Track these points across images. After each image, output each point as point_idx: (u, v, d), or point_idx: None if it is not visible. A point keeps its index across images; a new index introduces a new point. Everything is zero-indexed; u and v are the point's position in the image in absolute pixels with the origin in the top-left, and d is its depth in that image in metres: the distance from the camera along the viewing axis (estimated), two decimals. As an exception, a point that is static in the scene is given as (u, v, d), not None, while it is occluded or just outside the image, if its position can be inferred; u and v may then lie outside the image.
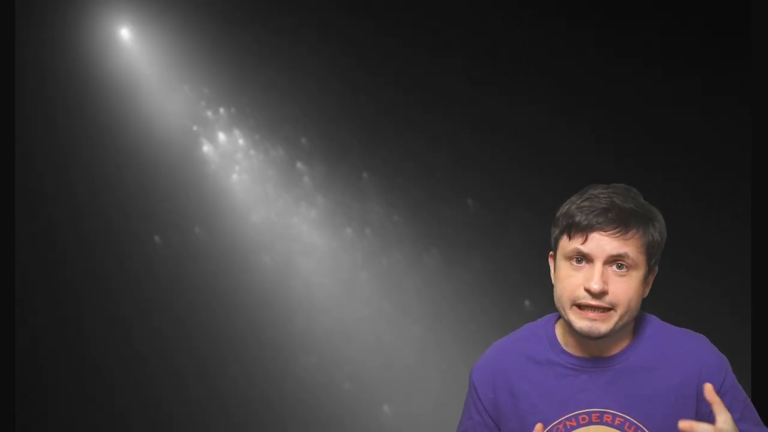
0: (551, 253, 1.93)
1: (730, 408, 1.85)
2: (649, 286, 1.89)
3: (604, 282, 1.79)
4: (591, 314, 1.80)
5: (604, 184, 1.89)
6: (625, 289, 1.81)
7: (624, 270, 1.82)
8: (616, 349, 1.89)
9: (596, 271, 1.80)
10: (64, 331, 4.84)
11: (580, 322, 1.81)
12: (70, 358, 4.84)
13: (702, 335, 1.95)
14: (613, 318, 1.81)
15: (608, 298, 1.80)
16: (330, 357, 4.88)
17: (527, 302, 4.66)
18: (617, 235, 1.81)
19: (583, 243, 1.81)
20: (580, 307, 1.81)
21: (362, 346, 4.89)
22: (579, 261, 1.83)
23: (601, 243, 1.81)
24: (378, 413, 4.85)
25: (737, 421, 1.85)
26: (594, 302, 1.80)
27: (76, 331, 4.84)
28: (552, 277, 1.93)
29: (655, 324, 1.95)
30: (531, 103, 4.71)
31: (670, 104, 4.60)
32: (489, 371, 1.98)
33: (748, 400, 1.92)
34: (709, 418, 1.85)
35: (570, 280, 1.83)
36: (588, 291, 1.80)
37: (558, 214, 1.89)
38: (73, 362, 4.84)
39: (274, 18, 4.80)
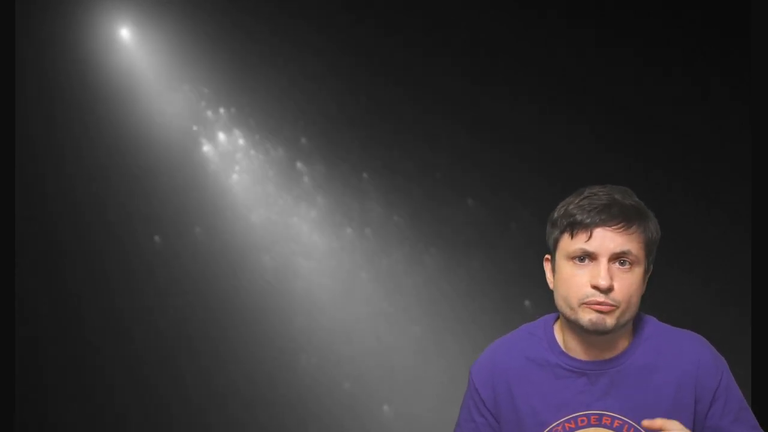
0: (547, 256, 1.93)
1: (723, 411, 1.86)
2: (645, 284, 1.89)
3: (611, 278, 1.80)
4: (597, 307, 1.81)
5: (598, 185, 1.89)
6: (628, 285, 1.82)
7: (627, 266, 1.83)
8: (615, 351, 1.89)
9: (603, 268, 1.80)
10: (64, 331, 4.84)
11: (589, 315, 1.81)
12: (70, 358, 4.84)
13: (700, 336, 1.95)
14: (616, 313, 1.82)
15: (613, 295, 1.81)
16: (330, 357, 4.88)
17: (527, 302, 4.66)
18: (621, 230, 1.82)
19: (587, 241, 1.82)
20: (588, 304, 1.82)
21: (362, 346, 4.88)
22: (582, 260, 1.83)
23: (605, 240, 1.81)
24: (378, 413, 4.85)
25: (731, 423, 1.86)
26: (601, 299, 1.80)
27: (76, 331, 4.84)
28: (549, 281, 1.92)
29: (653, 325, 1.95)
30: (531, 103, 4.71)
31: (670, 104, 4.60)
32: (488, 371, 1.97)
33: (744, 402, 1.92)
34: (705, 417, 1.86)
35: (575, 280, 1.83)
36: (596, 288, 1.80)
37: (555, 215, 1.89)
38: (73, 362, 4.84)
39: (274, 18, 4.80)
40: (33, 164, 4.70)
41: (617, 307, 1.81)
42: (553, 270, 1.90)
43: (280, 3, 4.82)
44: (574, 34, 4.66)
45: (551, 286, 1.91)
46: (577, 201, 1.86)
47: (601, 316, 1.81)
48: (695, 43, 4.55)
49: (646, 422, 1.78)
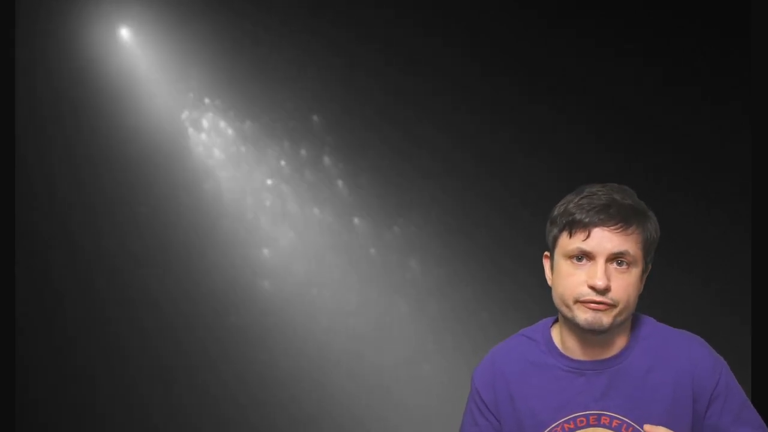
0: (546, 253, 1.94)
1: (722, 410, 1.87)
2: (643, 283, 1.90)
3: (608, 278, 1.81)
4: (593, 306, 1.82)
5: (598, 184, 1.89)
6: (625, 285, 1.83)
7: (624, 267, 1.83)
8: (613, 351, 1.90)
9: (599, 268, 1.81)
10: (64, 331, 4.84)
11: (585, 314, 1.82)
12: (71, 358, 4.84)
13: (698, 336, 1.96)
14: (613, 312, 1.83)
15: (611, 295, 1.82)
16: (330, 357, 4.88)
17: (528, 302, 4.66)
18: (619, 230, 1.82)
19: (585, 240, 1.83)
20: (583, 303, 1.82)
21: (362, 347, 4.89)
22: (580, 259, 1.84)
23: (603, 240, 1.82)
24: (378, 413, 4.85)
25: (732, 423, 1.87)
26: (598, 298, 1.81)
27: (77, 331, 4.84)
28: (547, 278, 1.93)
29: (651, 325, 1.95)
30: (531, 102, 4.71)
31: (670, 104, 4.60)
32: (489, 374, 1.99)
33: (748, 402, 1.92)
34: (703, 417, 1.87)
35: (572, 279, 1.84)
36: (593, 288, 1.81)
37: (555, 213, 1.90)
38: (73, 362, 4.84)
39: (274, 18, 4.80)
40: (33, 164, 4.70)
41: (615, 306, 1.82)
42: (552, 268, 1.91)
43: (280, 3, 4.82)
44: (574, 34, 4.66)
45: (550, 283, 1.92)
46: (576, 200, 1.86)
47: (598, 315, 1.82)
48: (695, 43, 4.55)
49: (647, 427, 1.80)
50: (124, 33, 4.82)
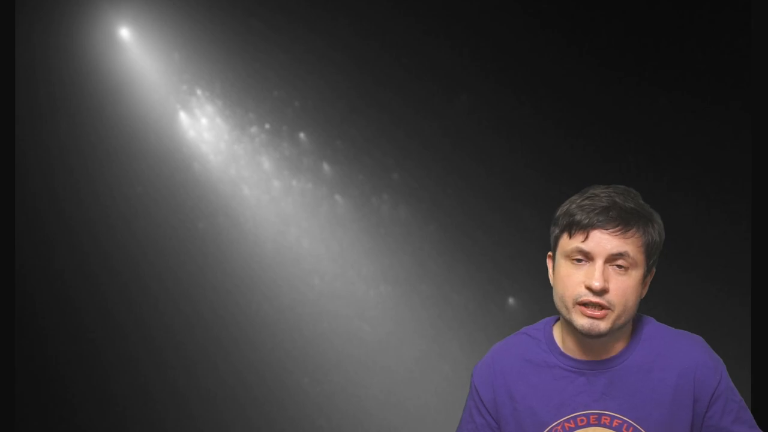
0: (549, 253, 1.94)
1: (724, 411, 1.87)
2: (647, 287, 1.90)
3: (605, 280, 1.81)
4: (590, 311, 1.82)
5: (604, 185, 1.90)
6: (624, 287, 1.83)
7: (623, 269, 1.83)
8: (614, 351, 1.90)
9: (597, 269, 1.81)
10: (65, 330, 4.85)
11: (582, 320, 1.83)
12: (70, 357, 4.84)
13: (699, 337, 1.96)
14: (611, 316, 1.82)
15: (608, 296, 1.82)
16: (330, 357, 4.88)
17: (527, 302, 4.66)
18: (618, 233, 1.82)
19: (583, 241, 1.83)
20: (582, 305, 1.82)
21: (362, 346, 4.89)
22: (579, 260, 1.84)
23: (602, 241, 1.82)
24: (378, 413, 4.85)
25: (732, 423, 1.87)
26: (595, 299, 1.81)
27: (76, 331, 4.84)
28: (550, 277, 1.94)
29: (652, 325, 1.95)
30: (532, 104, 4.72)
31: (669, 105, 4.60)
32: (488, 372, 1.99)
33: (743, 402, 1.93)
34: (704, 418, 1.87)
35: (571, 279, 1.84)
36: (589, 288, 1.81)
37: (558, 213, 1.90)
38: (72, 362, 4.84)
39: (274, 17, 4.80)
40: (33, 164, 4.70)
41: (611, 309, 1.82)
42: (554, 268, 1.92)
43: (280, 3, 4.82)
44: (574, 35, 4.66)
45: (552, 283, 1.93)
46: (579, 201, 1.87)
47: (594, 322, 1.82)
48: (695, 43, 4.55)
49: None
50: (124, 33, 4.82)
